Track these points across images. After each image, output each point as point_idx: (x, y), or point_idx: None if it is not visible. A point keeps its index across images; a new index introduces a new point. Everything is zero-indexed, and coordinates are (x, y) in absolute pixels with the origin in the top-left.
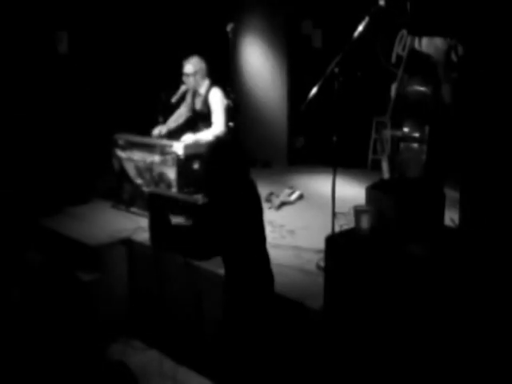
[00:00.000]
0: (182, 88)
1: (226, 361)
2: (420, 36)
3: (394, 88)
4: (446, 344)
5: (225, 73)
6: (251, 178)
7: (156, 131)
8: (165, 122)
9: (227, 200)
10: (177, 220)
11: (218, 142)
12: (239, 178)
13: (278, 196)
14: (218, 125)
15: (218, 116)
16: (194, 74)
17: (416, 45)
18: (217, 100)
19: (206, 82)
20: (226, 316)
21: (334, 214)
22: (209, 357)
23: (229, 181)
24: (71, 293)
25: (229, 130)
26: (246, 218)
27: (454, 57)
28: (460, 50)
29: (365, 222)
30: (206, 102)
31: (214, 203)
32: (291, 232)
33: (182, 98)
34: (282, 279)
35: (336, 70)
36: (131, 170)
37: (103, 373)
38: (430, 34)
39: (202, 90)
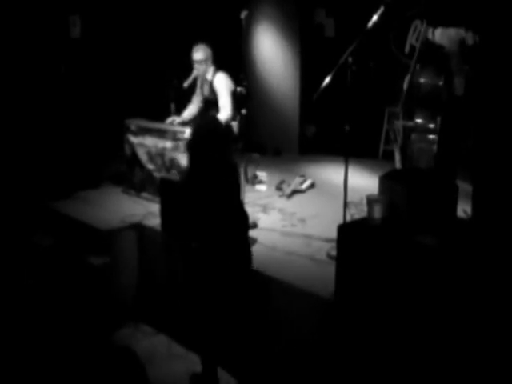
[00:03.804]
0: (194, 73)
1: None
2: (435, 26)
3: (406, 79)
4: (456, 335)
5: (238, 60)
6: (234, 161)
7: (169, 121)
8: (177, 109)
9: (208, 177)
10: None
11: (201, 124)
12: (221, 158)
13: (289, 184)
14: (225, 109)
15: (224, 100)
16: (205, 60)
17: (429, 35)
18: (222, 84)
19: (211, 68)
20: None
21: (345, 203)
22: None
23: (211, 159)
24: (80, 276)
25: (241, 117)
26: (223, 195)
27: (469, 41)
28: (470, 40)
29: (377, 212)
30: (212, 88)
31: (194, 180)
32: (302, 220)
33: (193, 87)
34: (291, 267)
35: (349, 59)
36: (143, 156)
37: (109, 358)
38: (446, 24)
39: (209, 76)
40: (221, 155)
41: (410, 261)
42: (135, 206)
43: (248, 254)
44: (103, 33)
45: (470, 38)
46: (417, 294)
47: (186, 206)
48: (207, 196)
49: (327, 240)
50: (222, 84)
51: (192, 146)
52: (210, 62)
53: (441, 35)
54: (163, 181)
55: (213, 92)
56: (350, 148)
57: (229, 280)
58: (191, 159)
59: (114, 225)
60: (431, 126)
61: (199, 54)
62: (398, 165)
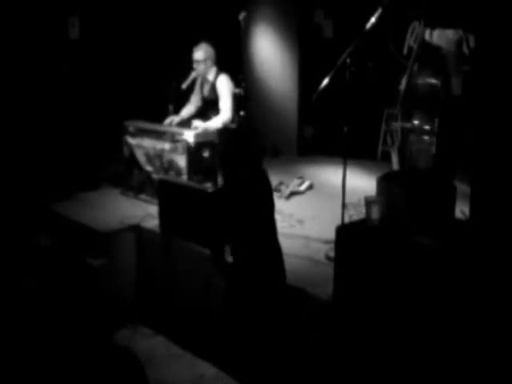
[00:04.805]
0: (193, 74)
1: (231, 349)
2: (433, 28)
3: (404, 80)
4: (454, 335)
5: (236, 61)
6: (264, 168)
7: (168, 121)
8: (175, 110)
9: (240, 187)
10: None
11: (235, 131)
12: (252, 167)
13: (287, 186)
14: (225, 111)
15: (225, 102)
16: (205, 60)
17: (427, 36)
18: (224, 86)
19: (213, 69)
20: (231, 305)
21: (344, 205)
22: (215, 344)
23: (242, 169)
24: (79, 277)
25: (240, 119)
26: (257, 206)
27: (465, 49)
28: (471, 41)
29: (375, 213)
30: (213, 89)
31: (227, 190)
32: (300, 222)
33: (192, 86)
34: (290, 269)
35: (348, 60)
36: (141, 157)
37: (109, 358)
38: (444, 25)
39: (211, 77)
40: (255, 165)
41: (408, 261)
42: (134, 207)
43: (281, 264)
44: (102, 34)
45: (471, 40)
46: (415, 294)
47: (220, 215)
48: (243, 206)
49: (326, 241)
50: (224, 86)
51: (225, 156)
52: (210, 63)
53: (438, 36)
54: (162, 182)
55: (214, 93)
56: (348, 149)
57: (264, 296)
58: (225, 169)
59: (112, 226)
60: (429, 127)
61: (199, 53)
62: (395, 166)
